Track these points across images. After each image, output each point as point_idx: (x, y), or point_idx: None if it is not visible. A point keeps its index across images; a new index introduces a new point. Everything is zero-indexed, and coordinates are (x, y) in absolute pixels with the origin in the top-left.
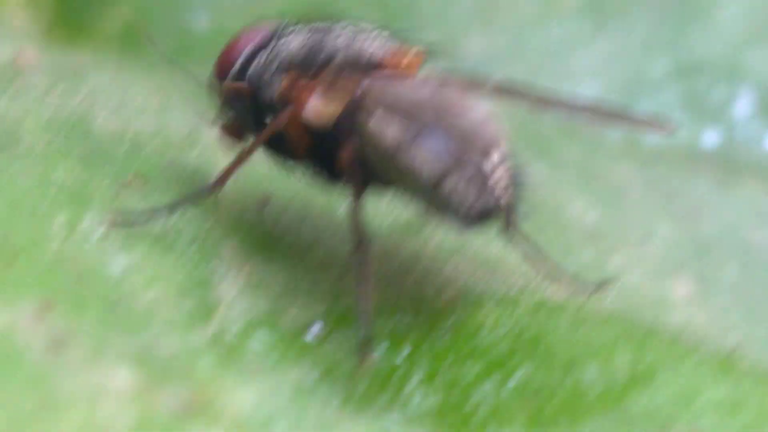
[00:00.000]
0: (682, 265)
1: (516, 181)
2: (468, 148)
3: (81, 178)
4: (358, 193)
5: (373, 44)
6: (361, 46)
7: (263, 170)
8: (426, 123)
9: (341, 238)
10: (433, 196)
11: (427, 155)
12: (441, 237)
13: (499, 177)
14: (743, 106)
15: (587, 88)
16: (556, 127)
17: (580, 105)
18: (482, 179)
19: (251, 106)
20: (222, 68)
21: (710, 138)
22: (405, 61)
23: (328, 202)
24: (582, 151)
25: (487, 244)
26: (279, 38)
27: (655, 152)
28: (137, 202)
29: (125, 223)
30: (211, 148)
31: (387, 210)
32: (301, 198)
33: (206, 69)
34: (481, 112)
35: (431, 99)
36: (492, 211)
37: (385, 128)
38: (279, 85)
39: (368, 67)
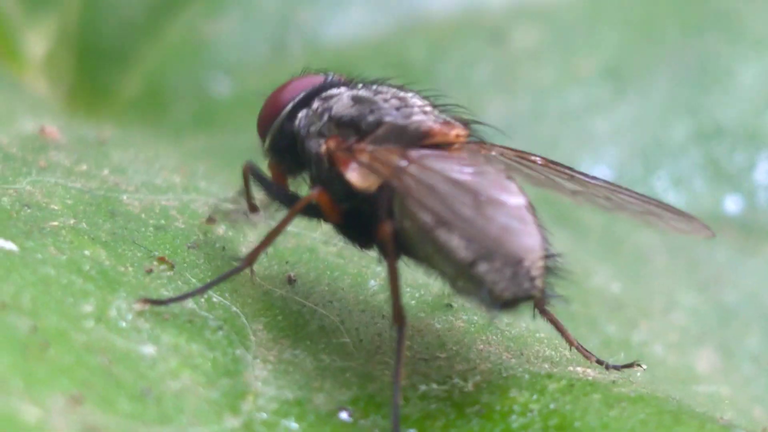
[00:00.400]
0: (706, 335)
1: (550, 271)
2: (502, 246)
3: (108, 262)
4: (394, 267)
5: (421, 113)
6: (409, 113)
7: (290, 244)
8: (464, 211)
9: (371, 315)
10: (465, 277)
11: (461, 242)
12: (469, 313)
13: (534, 266)
14: (764, 171)
15: (607, 154)
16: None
17: (628, 195)
18: (516, 267)
19: (294, 156)
20: (267, 116)
21: (731, 204)
22: (451, 134)
23: (359, 275)
24: (604, 219)
25: (515, 320)
26: (326, 93)
27: None
28: (165, 284)
29: (153, 308)
30: (237, 223)
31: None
32: (330, 271)
33: (228, 134)
34: (521, 201)
35: (473, 182)
36: (522, 299)
37: (423, 206)
38: (322, 145)
39: (414, 137)
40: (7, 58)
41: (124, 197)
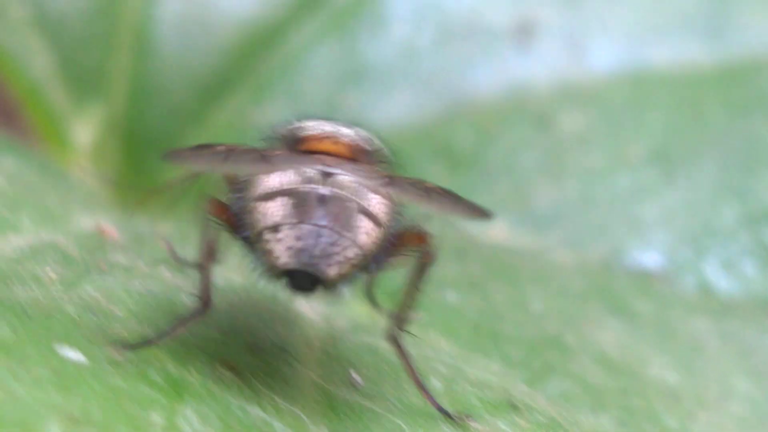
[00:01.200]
0: (763, 424)
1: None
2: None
3: (174, 368)
4: None
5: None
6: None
7: (350, 344)
8: None
9: (434, 418)
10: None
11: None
12: (534, 414)
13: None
14: None
15: (656, 239)
16: (629, 283)
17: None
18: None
19: None
20: None
21: None
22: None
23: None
24: (656, 305)
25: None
26: None
27: (728, 304)
28: (229, 389)
29: (219, 415)
30: (296, 326)
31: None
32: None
33: None
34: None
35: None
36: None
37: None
38: None
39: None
40: (54, 147)
41: (185, 297)
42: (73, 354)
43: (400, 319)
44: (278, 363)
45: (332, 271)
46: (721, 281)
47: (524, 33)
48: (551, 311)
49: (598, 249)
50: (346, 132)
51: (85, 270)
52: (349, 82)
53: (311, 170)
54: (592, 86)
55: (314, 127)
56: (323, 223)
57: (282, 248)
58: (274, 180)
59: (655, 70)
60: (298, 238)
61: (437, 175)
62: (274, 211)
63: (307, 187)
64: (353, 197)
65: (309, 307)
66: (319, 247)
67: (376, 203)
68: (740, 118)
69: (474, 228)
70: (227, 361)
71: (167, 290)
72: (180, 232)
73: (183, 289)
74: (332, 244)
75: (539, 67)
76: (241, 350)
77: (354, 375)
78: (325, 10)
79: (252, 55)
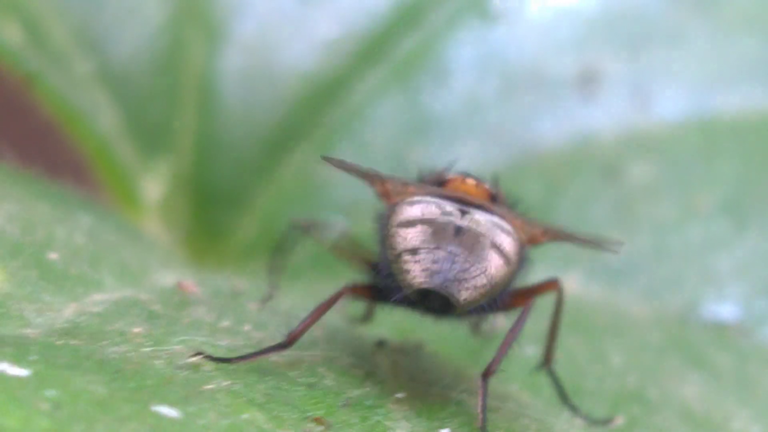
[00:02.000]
0: None
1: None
2: None
3: (266, 425)
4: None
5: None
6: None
7: None
8: None
9: None
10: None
11: None
12: None
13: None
14: None
15: (732, 291)
16: (706, 335)
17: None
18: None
19: None
20: None
21: None
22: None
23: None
24: (734, 357)
25: None
26: None
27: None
28: None
29: None
30: (382, 382)
31: None
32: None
33: (345, 276)
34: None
35: None
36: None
37: None
38: None
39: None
40: (124, 204)
41: (273, 355)
42: (167, 410)
43: (547, 356)
44: (370, 419)
45: (463, 295)
46: None
47: (588, 82)
48: (631, 365)
49: (673, 301)
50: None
51: (170, 325)
52: (413, 133)
53: (450, 205)
54: (659, 135)
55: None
56: (458, 251)
57: (419, 269)
58: (416, 210)
59: (723, 118)
60: (435, 262)
61: None
62: (415, 236)
63: (446, 219)
64: (487, 233)
65: (387, 361)
66: (453, 272)
67: (508, 242)
68: None
69: None
70: (319, 418)
71: (252, 345)
72: (254, 286)
73: (264, 344)
74: (464, 270)
75: (604, 116)
76: (331, 406)
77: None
78: (388, 62)
79: (316, 108)
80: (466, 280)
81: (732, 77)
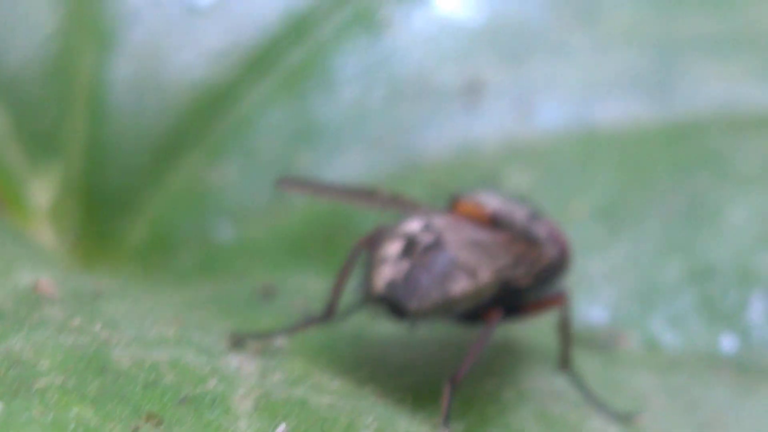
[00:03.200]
0: None
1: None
2: None
3: (94, 420)
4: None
5: None
6: None
7: (281, 396)
8: None
9: None
10: None
11: None
12: None
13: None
14: (757, 310)
15: (603, 294)
16: (576, 339)
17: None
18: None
19: None
20: None
21: (728, 343)
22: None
23: (350, 426)
24: (601, 361)
25: None
26: None
27: (673, 359)
28: None
29: None
30: (228, 380)
31: None
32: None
33: (231, 281)
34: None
35: None
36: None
37: None
38: None
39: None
40: (12, 209)
41: (115, 352)
42: None
43: (564, 358)
44: (208, 416)
45: (412, 305)
46: (666, 336)
47: (472, 92)
48: (492, 366)
49: None
50: (496, 205)
51: (16, 323)
52: (301, 141)
53: (441, 223)
54: (539, 144)
55: (476, 196)
56: (419, 265)
57: (380, 278)
58: (408, 225)
59: (602, 129)
60: (395, 272)
61: None
62: (390, 248)
63: (423, 236)
64: (455, 252)
65: (245, 361)
66: (409, 284)
67: (480, 262)
68: (684, 177)
69: None
70: (151, 414)
71: (96, 343)
72: (121, 287)
73: (113, 343)
74: (419, 283)
75: (487, 125)
76: (167, 403)
77: (282, 426)
78: (277, 72)
79: (206, 115)
80: (419, 292)
81: (611, 88)
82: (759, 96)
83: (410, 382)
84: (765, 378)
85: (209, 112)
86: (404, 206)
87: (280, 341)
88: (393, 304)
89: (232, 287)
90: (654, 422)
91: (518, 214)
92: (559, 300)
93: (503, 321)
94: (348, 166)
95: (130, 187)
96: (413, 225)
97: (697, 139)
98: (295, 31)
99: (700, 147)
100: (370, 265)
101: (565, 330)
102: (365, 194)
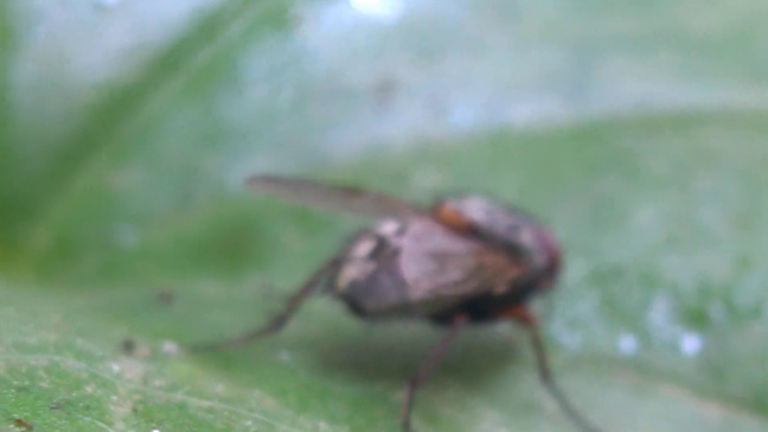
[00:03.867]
0: None
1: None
2: None
3: None
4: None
5: None
6: None
7: (159, 401)
8: None
9: None
10: None
11: None
12: None
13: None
14: (659, 311)
15: None
16: (468, 341)
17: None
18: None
19: None
20: None
21: (627, 344)
22: None
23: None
24: (493, 360)
25: None
26: None
27: (571, 359)
28: None
29: None
30: (107, 385)
31: None
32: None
33: (132, 286)
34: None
35: None
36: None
37: None
38: None
39: None
40: None
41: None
42: None
43: (542, 372)
44: (81, 421)
45: (369, 306)
46: (565, 338)
47: (384, 92)
48: (380, 368)
49: None
50: (477, 213)
51: None
52: (207, 143)
53: (418, 227)
54: (451, 145)
55: (459, 201)
56: (383, 267)
57: (345, 276)
58: (385, 227)
59: (515, 129)
60: (359, 272)
61: (290, 240)
62: (361, 247)
63: (393, 240)
64: (421, 258)
65: (129, 366)
66: (369, 284)
67: (443, 269)
68: (594, 177)
69: None
70: (21, 419)
71: None
72: (8, 294)
73: None
74: (380, 285)
75: (398, 126)
76: (39, 408)
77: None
78: (184, 73)
79: (111, 118)
80: (378, 293)
81: (526, 88)
82: (676, 95)
83: (296, 384)
84: (664, 379)
85: (114, 115)
86: (389, 207)
87: (169, 346)
88: (352, 303)
89: (132, 293)
90: (544, 427)
91: (500, 222)
92: (526, 318)
93: (473, 325)
94: (255, 169)
95: (32, 192)
96: (387, 227)
97: (609, 139)
98: (204, 30)
99: (612, 147)
100: (340, 262)
101: (536, 344)
102: (349, 193)
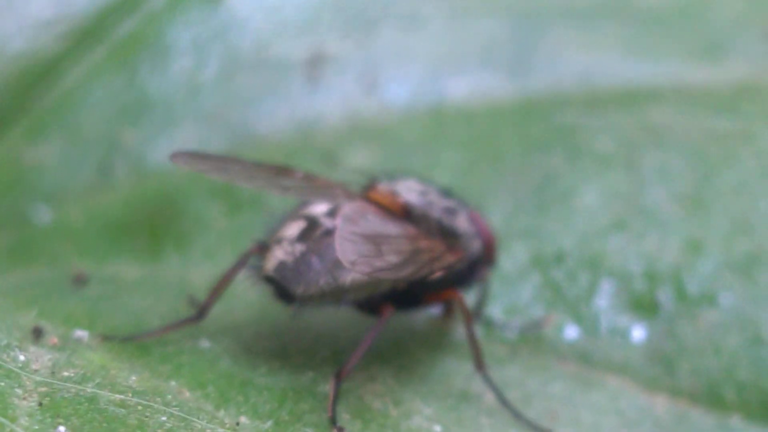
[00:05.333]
0: None
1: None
2: None
3: None
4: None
5: None
6: None
7: (68, 394)
8: None
9: None
10: None
11: None
12: None
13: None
14: (605, 298)
15: None
16: (400, 327)
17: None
18: None
19: None
20: None
21: (571, 332)
22: None
23: (138, 426)
24: (427, 349)
25: None
26: None
27: (511, 348)
28: None
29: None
30: (11, 376)
31: None
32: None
33: (45, 265)
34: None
35: None
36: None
37: None
38: None
39: None
40: None
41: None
42: None
43: (477, 362)
44: None
45: (298, 290)
46: (505, 325)
47: (315, 65)
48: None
49: None
50: (412, 195)
51: None
52: (129, 116)
53: (350, 208)
54: (384, 121)
55: (392, 183)
56: (313, 249)
57: (272, 258)
58: (314, 207)
59: (452, 104)
60: (287, 254)
61: (214, 218)
62: (290, 228)
63: (324, 220)
64: (354, 240)
65: (36, 355)
66: (299, 267)
67: (380, 252)
68: (537, 155)
69: None
70: None
71: None
72: None
73: None
74: (310, 268)
75: (329, 101)
76: None
77: (61, 429)
78: (106, 44)
79: (26, 90)
80: (307, 276)
81: (464, 62)
82: (622, 70)
83: (216, 375)
84: (610, 370)
85: (31, 87)
86: (320, 187)
87: (80, 333)
88: (280, 287)
89: (45, 274)
90: (481, 421)
91: (435, 206)
92: (452, 294)
93: (402, 311)
94: (178, 143)
95: None
96: (318, 208)
97: (552, 116)
98: (127, 0)
99: (555, 124)
100: (267, 243)
101: (470, 331)
102: (277, 171)
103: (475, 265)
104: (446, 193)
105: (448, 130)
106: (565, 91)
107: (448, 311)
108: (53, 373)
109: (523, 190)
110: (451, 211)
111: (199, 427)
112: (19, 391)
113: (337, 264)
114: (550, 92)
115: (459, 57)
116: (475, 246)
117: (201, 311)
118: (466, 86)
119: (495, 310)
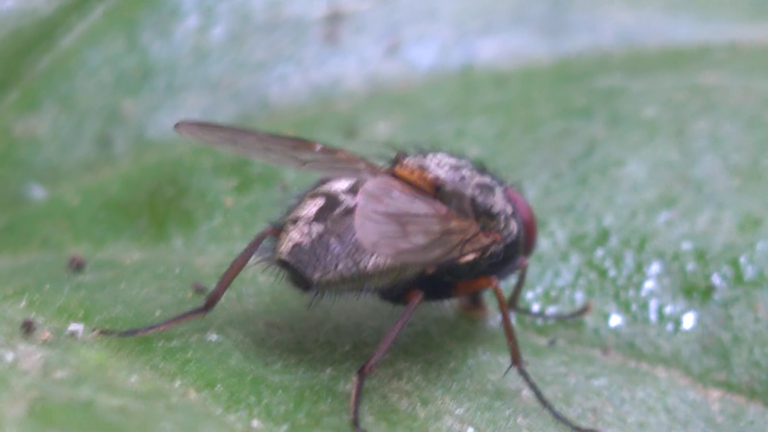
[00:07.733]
0: None
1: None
2: None
3: None
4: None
5: None
6: None
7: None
8: None
9: None
10: None
11: None
12: None
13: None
14: (653, 282)
15: None
16: (428, 317)
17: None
18: None
19: None
20: None
21: (616, 320)
22: None
23: None
24: (458, 342)
25: None
26: None
27: (551, 337)
28: None
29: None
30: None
31: None
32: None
33: (39, 248)
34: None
35: None
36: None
37: None
38: None
39: None
40: None
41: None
42: None
43: (513, 356)
44: None
45: (315, 275)
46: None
47: (331, 26)
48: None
49: None
50: (443, 170)
51: None
52: (131, 82)
53: (373, 185)
54: (407, 87)
55: (419, 156)
56: (332, 230)
57: (287, 240)
58: (335, 183)
59: (480, 68)
60: (303, 235)
61: (223, 195)
62: (307, 207)
63: (344, 197)
64: (376, 219)
65: (26, 354)
66: (316, 250)
67: (405, 233)
68: (573, 124)
69: None
70: None
71: None
72: None
73: None
74: (328, 251)
75: (348, 65)
76: None
77: None
78: (105, 3)
79: (17, 57)
80: (326, 261)
81: (493, 20)
82: (667, 28)
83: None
84: (658, 361)
85: (22, 51)
86: (340, 161)
87: (75, 327)
88: (295, 272)
89: (36, 258)
90: (519, 418)
91: (468, 182)
92: (487, 282)
93: (433, 301)
94: (182, 113)
95: None
96: (339, 184)
97: (591, 78)
98: None
99: (594, 87)
100: (281, 224)
101: (507, 322)
102: (294, 144)
103: (513, 249)
104: (480, 167)
105: (477, 95)
106: (605, 52)
107: (477, 298)
108: (45, 374)
109: (561, 161)
110: (485, 188)
111: (209, 430)
112: (5, 395)
113: (358, 246)
114: (589, 53)
115: (488, 15)
116: (513, 227)
117: (209, 301)
118: (497, 47)
119: (530, 296)
